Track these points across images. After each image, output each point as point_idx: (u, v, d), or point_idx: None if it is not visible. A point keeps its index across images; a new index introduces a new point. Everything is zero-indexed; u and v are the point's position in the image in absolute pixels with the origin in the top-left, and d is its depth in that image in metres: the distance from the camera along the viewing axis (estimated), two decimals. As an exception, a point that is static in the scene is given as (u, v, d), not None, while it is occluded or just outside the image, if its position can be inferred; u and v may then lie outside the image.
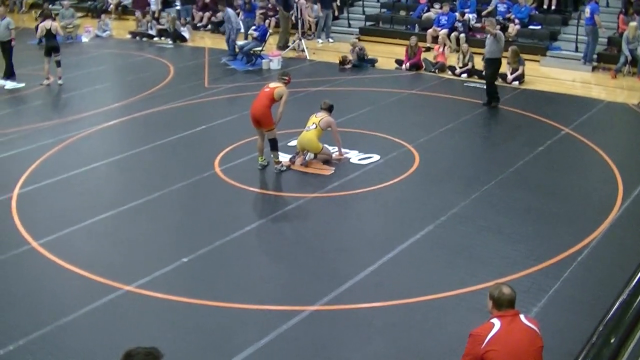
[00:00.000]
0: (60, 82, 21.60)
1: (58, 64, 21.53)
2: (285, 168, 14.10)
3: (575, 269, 10.12)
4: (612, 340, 4.00)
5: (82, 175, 14.18)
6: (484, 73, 19.08)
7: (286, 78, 14.34)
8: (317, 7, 27.65)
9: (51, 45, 21.36)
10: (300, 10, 26.63)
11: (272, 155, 14.08)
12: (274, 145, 14.00)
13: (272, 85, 14.23)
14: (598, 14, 22.05)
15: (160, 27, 29.41)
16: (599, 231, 11.23)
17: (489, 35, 18.18)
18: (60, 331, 8.93)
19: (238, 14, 26.67)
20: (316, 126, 14.19)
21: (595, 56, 22.41)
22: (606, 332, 4.04)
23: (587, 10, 22.05)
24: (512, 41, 23.04)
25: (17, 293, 9.93)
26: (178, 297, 9.59)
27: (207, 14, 30.58)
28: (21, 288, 10.05)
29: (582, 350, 4.01)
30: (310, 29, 28.02)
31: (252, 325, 9.00)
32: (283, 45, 26.03)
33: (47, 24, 21.34)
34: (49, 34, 21.28)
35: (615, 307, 4.22)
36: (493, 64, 18.24)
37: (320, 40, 27.00)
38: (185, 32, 28.67)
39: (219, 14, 30.25)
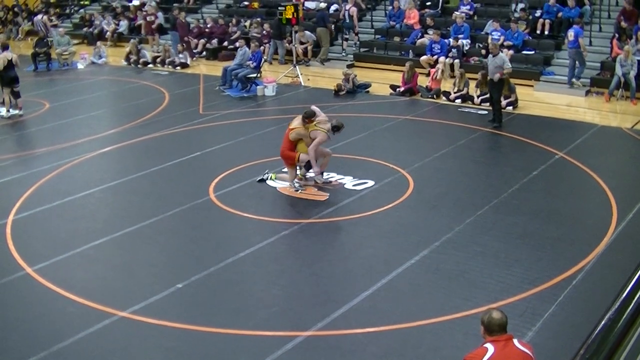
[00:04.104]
0: (20, 112, 21.48)
1: (17, 95, 21.43)
2: (299, 189, 14.25)
3: (570, 292, 10.11)
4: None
5: (77, 202, 14.20)
6: (489, 95, 19.32)
7: (307, 120, 14.41)
8: (309, 33, 28.10)
9: (12, 75, 21.17)
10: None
11: (300, 169, 14.48)
12: (306, 166, 14.41)
13: (293, 124, 14.41)
14: (582, 37, 22.27)
15: (156, 54, 29.51)
16: (594, 255, 11.24)
17: (490, 57, 18.45)
18: (55, 357, 8.91)
19: (264, 51, 27.27)
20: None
21: (588, 80, 22.52)
22: (588, 355, 4.06)
23: (571, 33, 22.26)
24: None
25: (12, 319, 9.92)
26: (172, 322, 9.58)
27: (202, 40, 30.70)
28: (15, 314, 10.04)
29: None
30: (305, 55, 28.22)
31: (246, 351, 8.98)
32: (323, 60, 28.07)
33: (8, 55, 21.15)
34: (10, 65, 21.08)
35: (598, 330, 4.24)
36: (497, 84, 18.49)
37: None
38: (184, 59, 28.78)
39: (214, 41, 30.48)
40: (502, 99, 19.20)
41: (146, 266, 11.54)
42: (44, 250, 11.97)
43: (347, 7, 28.82)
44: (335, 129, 14.56)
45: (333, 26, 28.67)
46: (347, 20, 28.94)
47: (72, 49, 30.79)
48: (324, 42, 28.27)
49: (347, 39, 28.94)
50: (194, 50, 30.40)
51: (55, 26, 34.51)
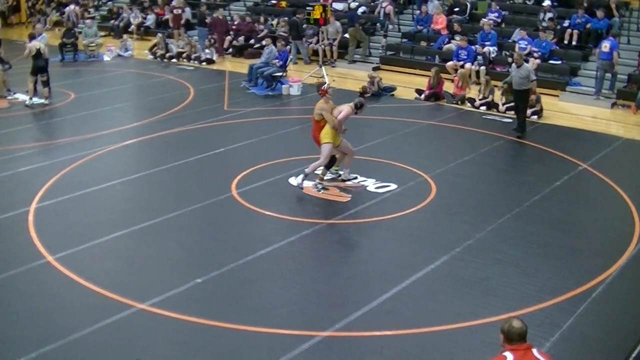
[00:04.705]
0: (46, 102, 21.69)
1: (45, 84, 21.67)
2: (321, 189, 14.24)
3: (589, 305, 10.06)
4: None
5: (99, 193, 14.27)
6: (514, 104, 19.18)
7: (319, 90, 14.59)
8: (338, 23, 28.27)
9: (40, 65, 21.40)
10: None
11: (320, 169, 14.37)
12: (327, 166, 14.36)
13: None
14: (617, 50, 22.14)
15: (180, 50, 29.57)
16: (614, 268, 11.17)
17: (515, 68, 18.31)
18: (72, 346, 8.96)
19: (289, 50, 27.26)
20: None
21: (614, 93, 22.43)
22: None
23: (606, 45, 22.06)
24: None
25: (31, 306, 9.97)
26: (190, 317, 9.59)
27: (229, 37, 30.71)
28: (35, 302, 10.10)
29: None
30: (332, 55, 28.20)
31: (263, 348, 8.99)
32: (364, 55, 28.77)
33: (37, 44, 21.40)
34: (38, 54, 21.31)
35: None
36: (523, 94, 18.38)
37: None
38: (210, 54, 28.87)
39: (240, 38, 30.50)
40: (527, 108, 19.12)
41: (165, 260, 11.55)
42: (65, 239, 12.03)
43: (384, 4, 29.27)
44: (359, 104, 14.66)
45: (361, 27, 28.61)
46: (382, 18, 29.36)
47: (99, 40, 30.98)
48: (360, 38, 28.43)
49: (385, 36, 29.01)
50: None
51: (92, 18, 34.64)
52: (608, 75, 22.56)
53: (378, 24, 29.56)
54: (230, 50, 30.57)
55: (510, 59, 23.79)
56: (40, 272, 10.91)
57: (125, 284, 10.55)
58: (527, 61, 22.97)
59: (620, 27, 25.02)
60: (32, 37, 21.85)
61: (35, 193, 14.04)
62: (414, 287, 10.54)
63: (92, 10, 37.08)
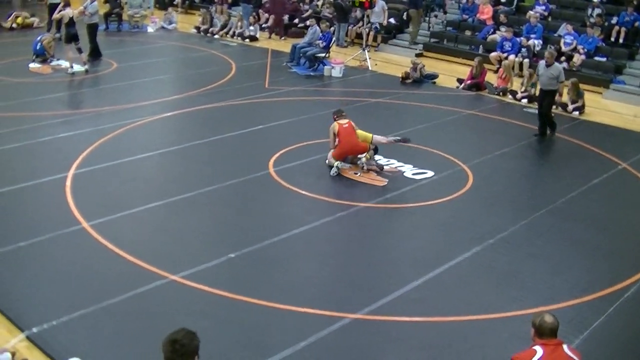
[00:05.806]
0: (86, 67, 21.90)
1: (80, 51, 21.76)
2: (359, 172, 14.32)
3: (620, 305, 9.99)
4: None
5: (136, 163, 14.38)
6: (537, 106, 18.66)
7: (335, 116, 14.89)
8: (382, 2, 28.18)
9: (73, 32, 21.49)
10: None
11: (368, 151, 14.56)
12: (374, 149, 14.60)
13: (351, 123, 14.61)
14: None
15: (223, 26, 29.59)
16: (648, 270, 11.10)
17: (543, 66, 17.77)
18: (103, 312, 9.06)
19: (334, 32, 27.31)
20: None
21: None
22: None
23: None
24: (576, 71, 22.98)
25: (65, 271, 10.10)
26: (221, 291, 9.65)
27: (273, 15, 30.68)
28: (69, 266, 10.22)
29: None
30: (375, 39, 28.12)
31: (292, 327, 9.02)
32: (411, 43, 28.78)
33: (70, 12, 21.51)
34: (71, 22, 21.43)
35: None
36: (550, 94, 18.04)
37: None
38: (254, 32, 28.93)
39: (285, 17, 30.48)
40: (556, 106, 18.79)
41: (199, 233, 11.63)
42: (101, 207, 12.14)
43: None
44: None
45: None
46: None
47: (144, 12, 31.11)
48: (414, 23, 28.47)
49: (436, 16, 29.27)
50: (264, 25, 30.42)
51: None
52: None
53: (434, 6, 29.78)
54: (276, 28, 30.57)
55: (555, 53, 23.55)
56: (75, 238, 11.03)
57: (159, 255, 10.63)
58: (571, 57, 22.82)
59: (669, 27, 24.70)
60: (66, 4, 21.84)
61: (74, 159, 14.18)
62: (446, 275, 10.53)
63: None
